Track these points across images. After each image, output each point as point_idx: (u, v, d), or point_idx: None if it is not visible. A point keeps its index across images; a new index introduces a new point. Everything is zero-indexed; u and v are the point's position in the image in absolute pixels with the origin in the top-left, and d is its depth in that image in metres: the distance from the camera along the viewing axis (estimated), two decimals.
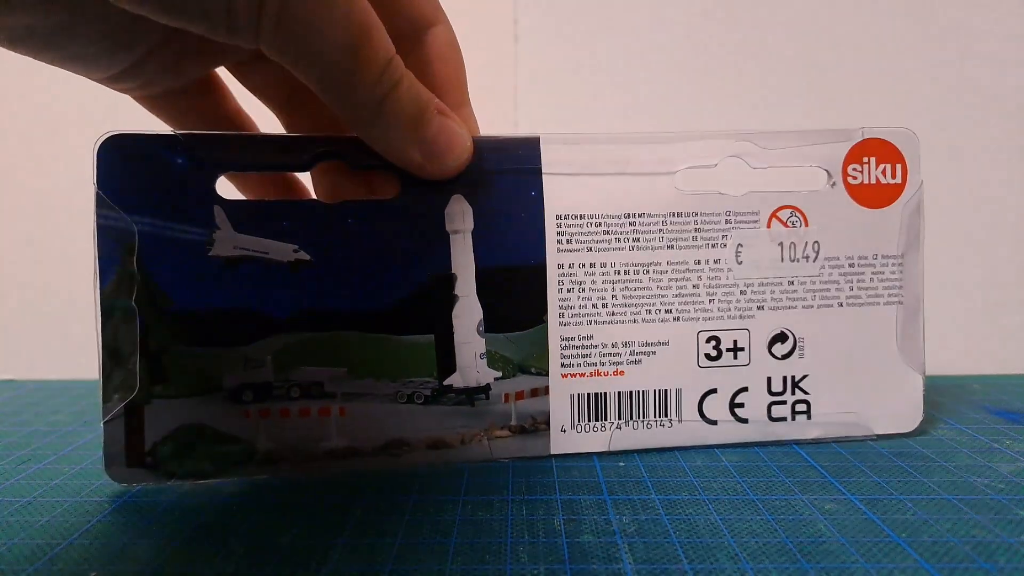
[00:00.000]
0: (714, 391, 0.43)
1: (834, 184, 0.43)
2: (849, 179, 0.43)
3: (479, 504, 0.37)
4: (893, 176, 0.44)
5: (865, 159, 0.43)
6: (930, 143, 0.68)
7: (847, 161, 0.43)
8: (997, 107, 0.68)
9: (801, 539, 0.33)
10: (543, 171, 0.41)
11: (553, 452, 0.42)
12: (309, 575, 0.30)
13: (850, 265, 0.43)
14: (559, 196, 0.41)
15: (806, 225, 0.43)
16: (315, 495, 0.38)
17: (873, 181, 0.43)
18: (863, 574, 0.30)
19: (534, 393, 0.42)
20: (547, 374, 0.42)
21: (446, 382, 0.41)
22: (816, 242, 0.43)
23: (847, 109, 0.68)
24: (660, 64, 0.68)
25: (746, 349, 0.43)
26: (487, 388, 0.41)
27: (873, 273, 0.44)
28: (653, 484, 0.39)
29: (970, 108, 0.68)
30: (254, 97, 0.43)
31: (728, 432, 0.43)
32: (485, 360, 0.41)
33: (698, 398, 0.43)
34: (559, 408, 0.42)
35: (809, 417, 0.44)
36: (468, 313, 0.40)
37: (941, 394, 0.57)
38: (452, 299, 0.40)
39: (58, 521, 0.35)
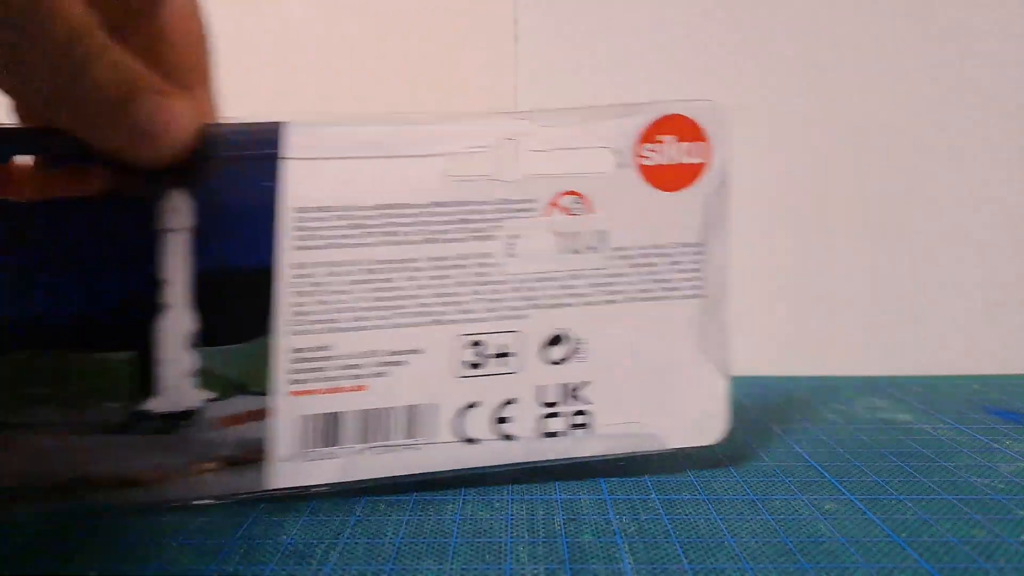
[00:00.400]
0: (475, 405, 0.37)
1: (624, 165, 0.38)
2: (642, 159, 0.38)
3: (479, 503, 0.37)
4: (694, 155, 0.39)
5: (661, 137, 0.38)
6: (930, 143, 0.68)
7: (641, 139, 0.38)
8: (997, 107, 0.68)
9: (801, 539, 0.33)
10: (284, 157, 0.35)
11: (271, 486, 0.35)
12: (310, 574, 0.30)
13: (642, 255, 0.39)
14: (301, 186, 0.35)
15: (590, 212, 0.38)
16: (315, 493, 0.38)
17: (671, 161, 0.39)
18: (863, 574, 0.30)
19: (253, 416, 0.35)
20: (271, 393, 0.35)
21: (143, 407, 0.35)
22: (602, 231, 0.38)
23: (847, 108, 0.68)
24: (660, 64, 0.68)
25: (516, 354, 0.38)
26: (194, 412, 0.35)
27: (670, 264, 0.39)
28: (653, 484, 0.39)
29: (970, 108, 0.68)
30: None
31: (492, 453, 0.38)
32: (195, 379, 0.35)
33: (455, 414, 0.37)
34: (284, 433, 0.35)
35: (590, 430, 0.39)
36: (176, 325, 0.35)
37: (941, 394, 0.57)
38: (159, 308, 0.35)
39: (61, 519, 0.36)
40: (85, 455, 0.34)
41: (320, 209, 0.36)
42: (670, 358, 0.40)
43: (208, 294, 0.35)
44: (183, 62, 0.37)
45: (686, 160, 0.39)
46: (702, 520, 0.35)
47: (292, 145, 0.35)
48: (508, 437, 0.38)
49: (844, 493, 0.38)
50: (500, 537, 0.33)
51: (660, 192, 0.39)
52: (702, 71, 0.68)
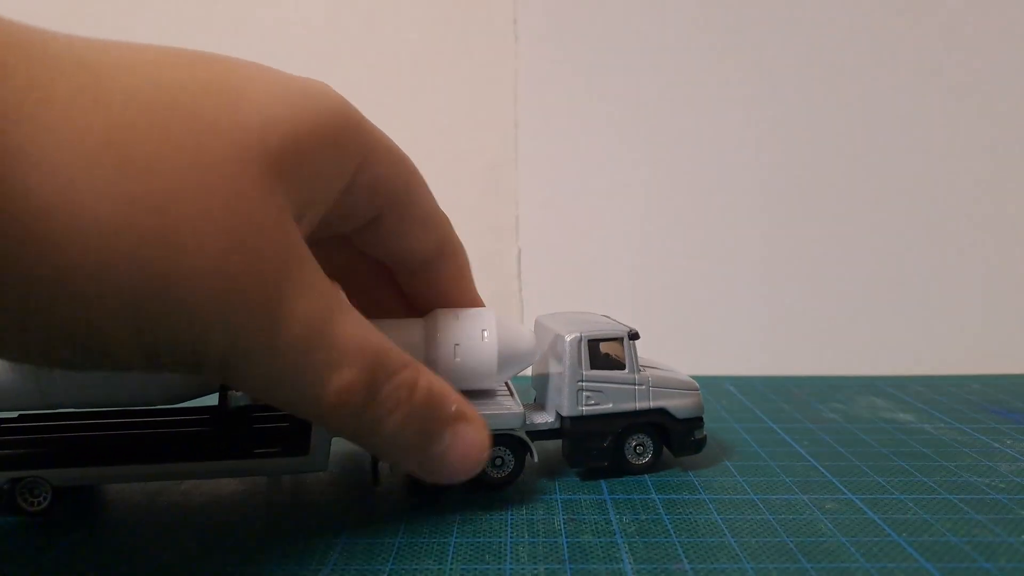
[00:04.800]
0: None
1: None
2: None
3: (479, 503, 0.37)
4: None
5: None
6: (930, 142, 0.68)
7: None
8: (997, 107, 0.68)
9: (802, 538, 0.33)
10: None
11: None
12: (311, 573, 0.30)
13: None
14: None
15: None
16: (316, 493, 0.38)
17: None
18: (864, 573, 0.30)
19: None
20: None
21: None
22: None
23: (848, 108, 0.68)
24: (660, 64, 0.68)
25: None
26: None
27: None
28: (653, 483, 0.39)
29: (970, 108, 0.68)
30: None
31: None
32: None
33: None
34: None
35: None
36: None
37: (942, 393, 0.57)
38: None
39: (61, 517, 0.36)
40: None
41: None
42: None
43: None
44: (455, 294, 0.39)
45: None
46: (702, 519, 0.35)
47: None
48: None
49: (845, 492, 0.37)
50: (500, 536, 0.33)
51: None
52: (702, 71, 0.68)
